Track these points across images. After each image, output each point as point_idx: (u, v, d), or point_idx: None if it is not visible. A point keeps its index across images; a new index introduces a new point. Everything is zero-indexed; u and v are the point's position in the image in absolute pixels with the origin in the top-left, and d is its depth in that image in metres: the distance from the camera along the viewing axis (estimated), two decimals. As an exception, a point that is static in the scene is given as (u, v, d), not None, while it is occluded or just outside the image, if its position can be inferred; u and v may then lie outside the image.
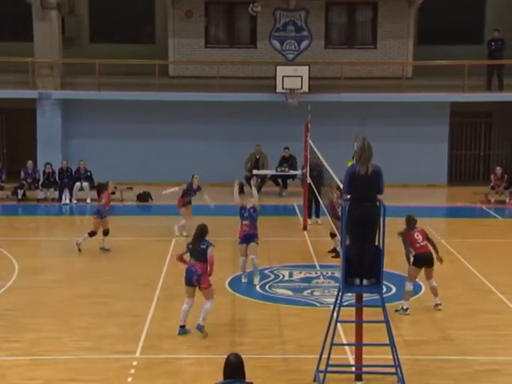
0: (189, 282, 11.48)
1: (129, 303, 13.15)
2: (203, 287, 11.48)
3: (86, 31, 26.39)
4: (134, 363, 10.47)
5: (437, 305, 12.73)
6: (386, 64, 25.11)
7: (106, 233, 16.56)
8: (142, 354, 10.81)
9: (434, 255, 12.63)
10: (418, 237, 12.60)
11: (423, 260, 12.54)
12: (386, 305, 9.73)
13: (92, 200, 22.10)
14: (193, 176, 18.15)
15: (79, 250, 16.32)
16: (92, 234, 16.47)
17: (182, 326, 11.57)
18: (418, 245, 12.56)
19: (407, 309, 12.51)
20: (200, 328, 11.47)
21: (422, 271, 12.65)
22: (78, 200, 22.30)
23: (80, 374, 10.17)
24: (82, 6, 26.33)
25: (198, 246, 11.51)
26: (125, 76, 23.94)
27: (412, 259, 12.64)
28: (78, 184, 22.41)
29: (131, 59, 24.08)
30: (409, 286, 12.59)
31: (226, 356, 6.96)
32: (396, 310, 12.47)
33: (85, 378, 10.06)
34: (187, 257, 11.81)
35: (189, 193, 17.98)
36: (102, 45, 25.53)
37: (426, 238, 12.75)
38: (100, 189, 17.09)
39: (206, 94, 23.69)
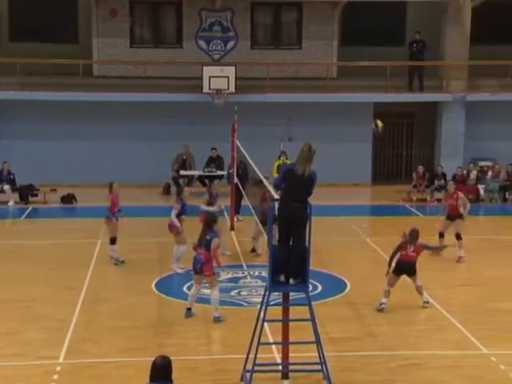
0: (194, 269, 12.18)
1: (52, 307, 12.91)
2: (206, 274, 12.05)
3: (5, 29, 25.81)
4: (58, 368, 10.29)
5: (425, 302, 12.91)
6: (311, 65, 25.38)
7: (113, 241, 15.36)
8: (66, 359, 10.63)
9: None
10: (410, 248, 12.81)
11: (402, 268, 12.76)
12: (312, 303, 9.82)
13: (16, 203, 21.67)
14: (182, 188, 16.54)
15: (122, 261, 15.38)
16: (113, 240, 15.31)
17: (189, 309, 12.23)
18: (404, 252, 12.78)
19: (383, 304, 12.71)
20: (217, 320, 12.01)
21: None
22: (-1, 202, 21.84)
23: (3, 381, 9.93)
24: (1, 5, 25.74)
25: (205, 236, 12.09)
26: (48, 76, 23.52)
27: (393, 266, 12.79)
28: (-2, 186, 21.92)
29: (54, 59, 23.65)
30: (387, 287, 12.80)
31: (152, 358, 6.92)
32: (380, 305, 12.70)
33: (7, 384, 9.85)
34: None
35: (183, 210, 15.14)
36: (22, 44, 24.99)
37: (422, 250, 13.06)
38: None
39: (131, 94, 23.48)
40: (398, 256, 12.90)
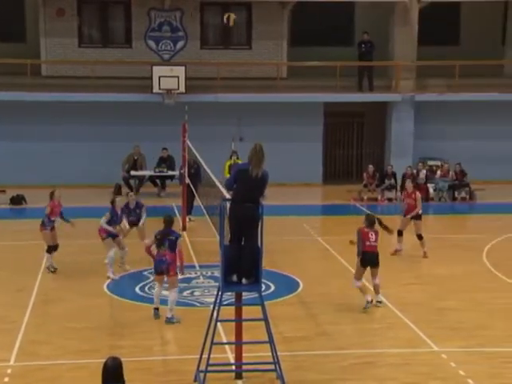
0: (159, 270, 12.15)
1: (2, 310, 12.72)
2: (171, 274, 12.05)
3: (-49, 29, 25.33)
4: (9, 371, 10.15)
5: (379, 302, 12.97)
6: (261, 65, 25.45)
7: (54, 248, 14.96)
8: (17, 362, 10.49)
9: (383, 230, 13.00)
10: (372, 236, 12.77)
11: (368, 260, 12.77)
12: (265, 303, 9.86)
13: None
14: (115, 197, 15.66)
15: (52, 271, 14.83)
16: (50, 248, 14.84)
17: (156, 309, 12.26)
18: (368, 243, 12.73)
19: (372, 300, 12.76)
20: (169, 321, 11.99)
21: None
22: None
23: (-50, 385, 9.77)
24: None
25: (168, 237, 12.05)
26: (-6, 75, 23.17)
27: (359, 257, 12.79)
28: None
29: (1, 58, 23.26)
30: (357, 284, 12.82)
31: (104, 360, 6.87)
32: (364, 308, 12.69)
33: (-45, 389, 9.68)
34: (154, 249, 12.28)
35: (114, 219, 14.80)
36: (-32, 43, 24.58)
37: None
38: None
39: (80, 94, 23.25)
40: (361, 249, 12.78)
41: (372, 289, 13.07)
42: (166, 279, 12.28)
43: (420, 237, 16.31)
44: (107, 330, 11.82)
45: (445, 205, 23.15)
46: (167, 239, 12.09)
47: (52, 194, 15.11)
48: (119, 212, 14.93)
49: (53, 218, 14.88)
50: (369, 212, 13.22)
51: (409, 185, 16.94)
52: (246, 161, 9.65)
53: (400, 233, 16.39)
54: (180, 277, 12.83)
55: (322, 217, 22.53)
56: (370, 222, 12.93)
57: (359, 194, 23.21)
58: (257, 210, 9.49)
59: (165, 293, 12.47)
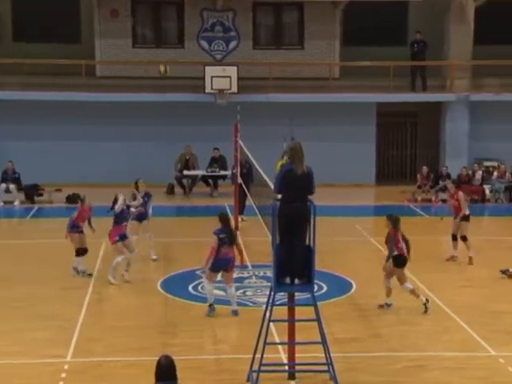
0: (221, 268, 12.39)
1: (59, 307, 12.93)
2: (233, 271, 12.60)
3: (8, 30, 25.83)
4: (66, 367, 10.30)
5: (388, 305, 12.81)
6: (313, 65, 25.37)
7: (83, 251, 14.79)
8: (74, 358, 10.65)
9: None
10: (400, 237, 12.65)
11: (404, 261, 12.65)
12: (318, 303, 9.82)
13: (22, 203, 21.69)
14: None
15: (89, 274, 14.64)
16: (78, 252, 14.68)
17: (211, 305, 12.37)
18: (400, 245, 12.60)
19: (391, 304, 12.67)
20: (236, 313, 12.37)
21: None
22: (4, 202, 21.82)
23: (9, 379, 9.94)
24: (4, 5, 25.76)
25: (231, 234, 12.41)
26: (50, 76, 23.54)
27: (393, 260, 12.58)
28: (3, 185, 21.92)
29: (57, 59, 23.65)
30: (409, 286, 12.71)
31: (157, 358, 6.93)
32: (380, 306, 12.68)
33: (15, 382, 9.84)
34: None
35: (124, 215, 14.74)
36: (25, 44, 25.02)
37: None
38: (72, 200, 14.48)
39: (134, 94, 23.51)
40: (395, 251, 12.59)
41: (387, 291, 12.81)
42: (221, 276, 12.43)
43: (464, 238, 15.74)
44: (160, 328, 11.91)
45: (501, 206, 22.78)
46: (231, 235, 12.35)
47: (83, 201, 15.06)
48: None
49: (80, 224, 14.80)
50: (392, 214, 12.94)
51: (450, 185, 16.41)
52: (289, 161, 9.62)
53: (454, 237, 15.86)
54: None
55: (375, 217, 22.34)
56: (395, 222, 12.64)
57: (413, 195, 22.98)
58: (305, 208, 9.46)
59: (218, 293, 12.52)
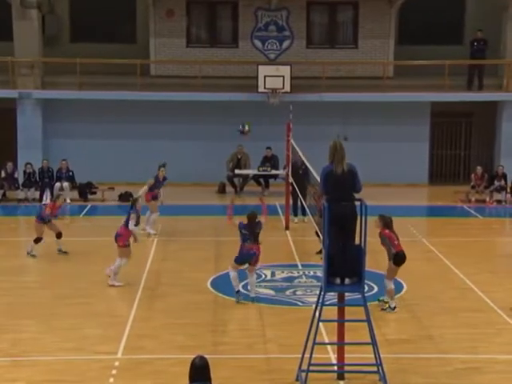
0: (245, 261, 13.01)
1: (110, 303, 13.11)
2: (256, 264, 13.10)
3: (66, 30, 26.28)
4: (116, 364, 10.42)
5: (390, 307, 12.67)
6: (367, 64, 25.20)
7: (58, 236, 16.08)
8: (124, 355, 10.76)
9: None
10: (395, 235, 12.61)
11: (402, 258, 12.57)
12: (368, 304, 9.76)
13: (71, 200, 22.04)
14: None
15: (33, 255, 15.85)
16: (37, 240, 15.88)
17: (238, 291, 12.99)
18: (396, 242, 12.56)
19: (395, 307, 12.52)
20: (255, 299, 12.95)
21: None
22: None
23: (61, 375, 10.11)
24: (62, 6, 26.21)
25: (254, 231, 12.93)
26: (106, 75, 23.88)
27: (392, 257, 12.59)
28: (58, 184, 22.30)
29: (112, 58, 23.97)
30: (390, 285, 12.61)
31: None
32: (383, 309, 12.52)
33: (66, 378, 10.00)
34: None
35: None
36: (82, 44, 25.42)
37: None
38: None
39: (187, 93, 23.66)
40: (393, 249, 12.47)
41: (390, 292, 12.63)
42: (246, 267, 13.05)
43: None
44: (210, 326, 11.97)
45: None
46: (253, 233, 12.87)
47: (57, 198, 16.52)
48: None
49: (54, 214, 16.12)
50: (387, 216, 12.79)
51: None
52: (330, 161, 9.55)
53: None
54: (276, 275, 13.11)
55: (428, 218, 22.10)
56: (386, 222, 12.55)
57: (466, 196, 22.65)
58: (352, 206, 9.41)
59: (263, 291, 12.52)
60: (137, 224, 14.46)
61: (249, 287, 13.21)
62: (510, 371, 10.33)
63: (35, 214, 16.42)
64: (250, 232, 12.93)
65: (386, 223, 12.59)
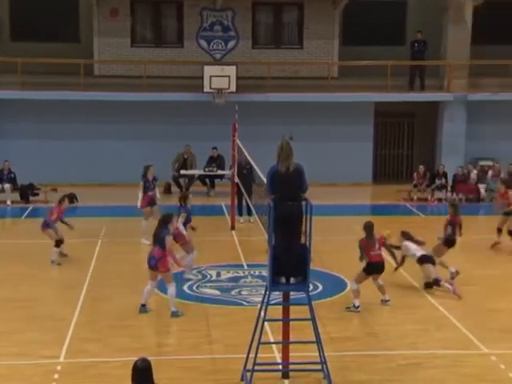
0: (148, 265, 12.44)
1: (53, 307, 12.93)
2: (161, 270, 12.32)
3: (6, 29, 25.82)
4: (58, 368, 10.31)
5: (386, 301, 12.95)
6: (312, 64, 25.37)
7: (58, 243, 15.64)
8: (67, 358, 10.65)
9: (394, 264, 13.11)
10: (375, 245, 12.75)
11: (375, 268, 12.74)
12: (313, 302, 9.83)
13: (12, 202, 21.67)
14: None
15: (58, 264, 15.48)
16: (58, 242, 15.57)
17: (143, 305, 12.47)
18: (372, 252, 12.69)
19: (358, 306, 12.65)
20: (175, 314, 12.29)
21: None
22: (-2, 202, 21.87)
23: (6, 380, 9.95)
24: (2, 4, 25.75)
25: (158, 235, 12.39)
26: (48, 75, 23.53)
27: (364, 265, 12.76)
28: (-1, 186, 21.92)
29: (55, 58, 23.64)
30: (354, 286, 12.76)
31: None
32: (347, 308, 12.67)
33: None
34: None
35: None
36: (24, 43, 24.97)
37: (384, 245, 13.04)
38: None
39: (132, 93, 23.48)
40: (366, 258, 12.75)
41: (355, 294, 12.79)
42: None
43: (511, 233, 16.89)
44: (155, 328, 11.93)
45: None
46: (157, 235, 12.40)
47: (63, 201, 15.94)
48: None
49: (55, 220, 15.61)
50: (368, 221, 13.09)
51: (499, 186, 17.76)
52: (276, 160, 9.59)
53: (499, 230, 17.11)
54: (222, 275, 12.91)
55: (372, 217, 22.27)
56: (369, 230, 12.78)
57: (409, 194, 22.98)
58: (298, 206, 9.46)
59: (207, 291, 12.52)
60: (186, 223, 14.34)
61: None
62: (450, 365, 10.56)
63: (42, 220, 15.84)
64: (154, 234, 12.53)
65: (370, 231, 12.84)
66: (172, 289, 12.35)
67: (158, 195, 17.39)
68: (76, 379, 10.04)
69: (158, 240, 12.34)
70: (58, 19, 25.76)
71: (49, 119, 24.10)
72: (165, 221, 12.52)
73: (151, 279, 12.48)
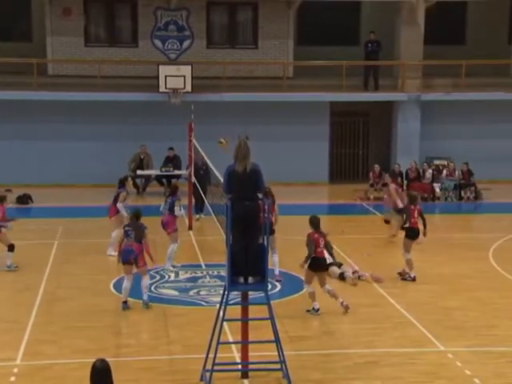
0: (126, 260, 12.57)
1: (8, 309, 12.77)
2: (140, 265, 12.62)
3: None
4: (15, 370, 10.18)
5: (345, 306, 12.66)
6: (267, 64, 25.45)
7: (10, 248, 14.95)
8: (23, 361, 10.53)
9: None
10: (322, 241, 12.50)
11: (318, 265, 12.48)
12: (271, 302, 9.87)
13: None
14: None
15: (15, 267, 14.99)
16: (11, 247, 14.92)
17: (125, 302, 12.60)
18: (319, 249, 12.46)
19: (318, 309, 12.55)
20: (146, 303, 12.61)
21: None
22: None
23: (-43, 384, 9.80)
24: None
25: (136, 228, 12.62)
26: (1, 75, 23.18)
27: (308, 262, 12.45)
28: (-48, 187, 21.51)
29: (7, 57, 23.30)
30: (308, 288, 12.61)
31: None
32: (307, 311, 12.59)
33: (-36, 388, 9.72)
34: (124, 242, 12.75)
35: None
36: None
37: (326, 244, 12.88)
38: None
39: (86, 93, 23.28)
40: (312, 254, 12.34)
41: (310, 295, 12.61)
42: (135, 270, 12.75)
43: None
44: (113, 329, 11.85)
45: (451, 204, 23.11)
46: (134, 231, 12.62)
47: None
48: None
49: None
50: (314, 215, 12.65)
51: (386, 177, 19.05)
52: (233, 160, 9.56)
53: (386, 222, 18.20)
54: (180, 276, 12.92)
55: (328, 216, 22.46)
56: (316, 224, 12.41)
57: (365, 194, 23.19)
58: (255, 206, 9.48)
59: (168, 292, 12.46)
60: (181, 209, 15.00)
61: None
62: (407, 363, 10.67)
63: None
64: (133, 229, 12.72)
65: (316, 226, 12.43)
66: (146, 280, 12.74)
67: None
68: (33, 381, 9.93)
69: (136, 235, 12.58)
70: (10, 17, 25.41)
71: (1, 119, 23.74)
72: (137, 216, 12.83)
73: (127, 274, 12.64)
